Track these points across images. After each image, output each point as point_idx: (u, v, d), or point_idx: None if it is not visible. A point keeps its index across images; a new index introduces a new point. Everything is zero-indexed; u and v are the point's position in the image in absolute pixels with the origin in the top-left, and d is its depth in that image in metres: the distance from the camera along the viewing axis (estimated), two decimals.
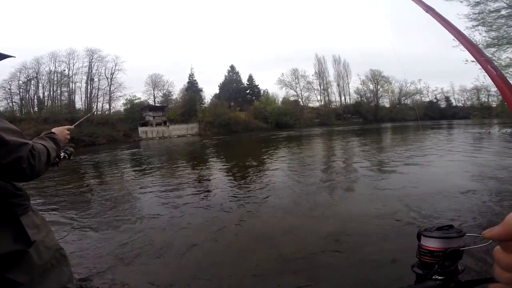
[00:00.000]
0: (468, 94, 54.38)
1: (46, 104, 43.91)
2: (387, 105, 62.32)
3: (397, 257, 2.33)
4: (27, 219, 1.21)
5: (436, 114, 55.98)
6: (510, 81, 0.53)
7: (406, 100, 62.85)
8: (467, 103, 53.13)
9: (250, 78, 61.16)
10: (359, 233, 2.99)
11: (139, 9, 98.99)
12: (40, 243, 1.23)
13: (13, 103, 42.12)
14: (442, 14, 0.73)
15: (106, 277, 2.39)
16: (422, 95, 63.75)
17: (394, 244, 2.65)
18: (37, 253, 1.21)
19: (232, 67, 60.59)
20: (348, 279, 2.17)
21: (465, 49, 0.62)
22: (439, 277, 0.62)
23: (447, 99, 63.60)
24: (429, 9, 0.77)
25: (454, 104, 62.51)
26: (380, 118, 54.19)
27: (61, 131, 1.41)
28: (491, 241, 0.32)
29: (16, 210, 1.17)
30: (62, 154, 1.48)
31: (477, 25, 7.80)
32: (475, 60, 0.60)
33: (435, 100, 63.91)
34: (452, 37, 0.66)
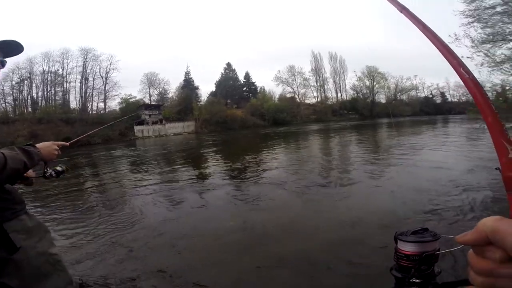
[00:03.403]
0: (463, 90, 54.70)
1: (40, 104, 43.54)
2: (383, 101, 62.62)
3: (390, 252, 2.34)
4: (16, 224, 1.17)
5: (432, 110, 56.36)
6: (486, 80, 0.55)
7: (402, 96, 63.14)
8: (462, 98, 53.53)
9: (247, 76, 60.94)
10: (354, 229, 3.00)
11: (132, 6, 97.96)
12: (31, 249, 1.19)
13: (6, 103, 41.74)
14: (416, 15, 0.71)
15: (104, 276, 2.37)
16: (418, 91, 64.18)
17: (389, 238, 2.65)
18: (27, 259, 1.17)
19: (228, 64, 60.32)
20: (346, 273, 2.18)
21: (438, 51, 0.61)
22: (417, 280, 0.63)
23: (442, 94, 64.01)
24: (403, 9, 0.76)
25: (449, 99, 62.94)
26: (376, 114, 54.37)
27: (47, 146, 1.33)
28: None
29: (2, 215, 1.12)
30: (49, 172, 1.40)
31: (472, 22, 7.81)
32: (447, 62, 0.60)
33: (430, 96, 64.28)
34: (428, 39, 0.64)
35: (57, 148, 1.36)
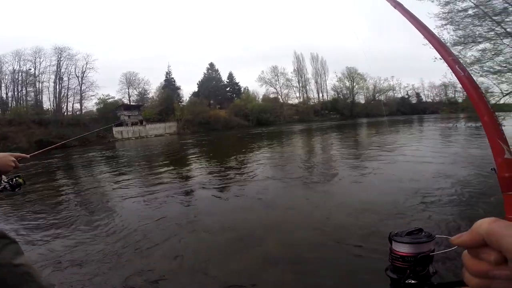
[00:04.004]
0: (436, 90, 57.80)
1: (10, 105, 41.06)
2: (363, 101, 64.56)
3: (378, 248, 2.39)
4: None
5: (408, 110, 58.81)
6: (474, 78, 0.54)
7: (380, 97, 65.38)
8: (436, 98, 56.36)
9: (230, 76, 60.69)
10: (341, 226, 3.05)
11: (109, 3, 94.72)
12: None
13: None
14: (411, 11, 0.71)
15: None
16: (394, 92, 66.77)
17: (375, 235, 2.72)
18: None
19: (211, 64, 59.72)
20: (334, 272, 2.19)
21: (433, 48, 0.61)
22: (413, 281, 0.63)
23: (417, 95, 67.08)
24: (397, 5, 0.76)
25: (424, 99, 66.00)
26: (356, 114, 55.94)
27: (2, 157, 1.25)
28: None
29: None
30: (2, 185, 1.31)
31: (445, 24, 8.19)
32: (442, 59, 0.59)
33: (406, 96, 67.07)
34: (421, 35, 0.65)
35: (14, 159, 1.29)
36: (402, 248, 0.64)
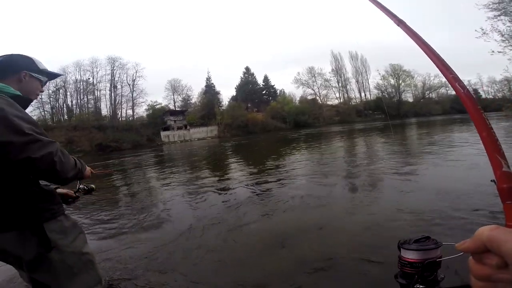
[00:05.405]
0: (498, 85, 51.11)
1: (74, 112, 46.33)
2: (411, 100, 59.97)
3: None
4: (54, 224, 1.26)
5: (464, 107, 53.01)
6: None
7: (430, 94, 60.12)
8: (498, 95, 49.86)
9: (266, 79, 61.26)
10: (381, 234, 2.98)
11: (152, 15, 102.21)
12: (65, 248, 1.28)
13: (45, 112, 44.89)
14: (413, 28, 0.79)
15: (132, 278, 2.59)
16: (447, 89, 60.76)
17: None
18: (61, 258, 1.26)
19: (247, 68, 60.93)
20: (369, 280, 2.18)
21: (434, 65, 0.69)
22: (421, 286, 0.70)
23: (475, 91, 59.94)
24: (400, 22, 0.82)
25: (483, 96, 58.84)
26: (404, 113, 52.14)
27: (87, 168, 1.53)
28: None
29: (42, 215, 1.23)
30: (82, 186, 1.67)
31: (499, 15, 7.39)
32: (443, 76, 0.67)
33: None
34: (424, 53, 0.73)
35: (90, 171, 1.57)
36: (410, 255, 0.71)
